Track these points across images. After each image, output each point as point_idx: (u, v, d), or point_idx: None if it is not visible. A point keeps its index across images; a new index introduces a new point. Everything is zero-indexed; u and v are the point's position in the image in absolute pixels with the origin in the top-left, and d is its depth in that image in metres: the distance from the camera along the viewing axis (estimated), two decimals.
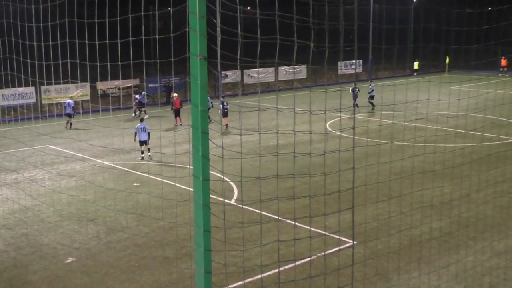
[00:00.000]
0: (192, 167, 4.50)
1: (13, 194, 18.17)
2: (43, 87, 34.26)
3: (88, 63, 10.60)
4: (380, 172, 16.41)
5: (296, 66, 46.91)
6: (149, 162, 22.57)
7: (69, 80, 15.44)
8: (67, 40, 11.03)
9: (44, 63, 12.16)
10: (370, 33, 50.01)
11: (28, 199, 17.37)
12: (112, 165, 22.23)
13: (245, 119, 29.31)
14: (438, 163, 20.09)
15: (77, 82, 31.13)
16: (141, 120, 23.90)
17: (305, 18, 7.29)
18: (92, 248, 14.22)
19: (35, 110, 34.03)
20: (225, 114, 28.94)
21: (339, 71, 50.78)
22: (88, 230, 15.34)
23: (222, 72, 42.72)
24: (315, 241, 13.71)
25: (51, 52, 11.69)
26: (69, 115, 30.54)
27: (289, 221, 14.72)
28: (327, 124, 29.17)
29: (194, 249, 4.61)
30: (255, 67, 42.88)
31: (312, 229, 14.29)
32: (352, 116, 31.20)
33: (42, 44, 11.50)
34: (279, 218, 14.16)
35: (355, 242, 13.81)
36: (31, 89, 33.92)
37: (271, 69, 46.10)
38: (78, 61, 11.51)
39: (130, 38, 9.38)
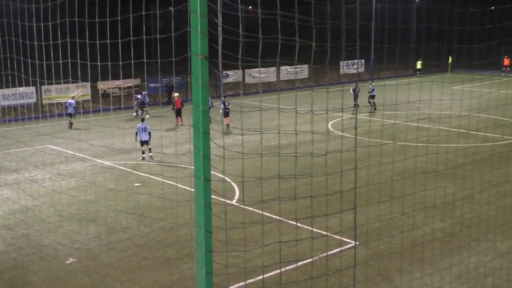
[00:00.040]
0: (193, 167, 4.49)
1: (14, 195, 18.12)
2: (43, 87, 34.20)
3: (89, 63, 10.55)
4: (382, 173, 16.33)
5: (297, 66, 46.84)
6: (150, 162, 22.51)
7: (70, 80, 15.40)
8: (68, 39, 10.97)
9: (44, 62, 12.11)
10: (372, 33, 49.89)
11: (29, 199, 17.32)
12: (113, 165, 22.17)
13: (246, 119, 29.24)
14: (441, 164, 20.01)
15: (78, 82, 31.10)
16: (142, 120, 23.84)
17: (307, 17, 7.22)
18: (93, 248, 14.16)
19: (35, 110, 34.00)
20: (226, 114, 28.87)
21: (341, 71, 50.68)
22: (88, 231, 15.28)
23: (224, 72, 42.66)
24: (316, 241, 13.65)
25: (51, 52, 11.63)
26: (70, 115, 30.50)
27: (290, 221, 14.66)
28: (329, 124, 29.09)
29: (195, 249, 4.60)
30: (257, 67, 42.81)
31: (313, 229, 14.22)
32: (354, 116, 31.14)
33: (43, 43, 11.45)
34: (281, 218, 14.07)
35: (357, 243, 13.74)
36: (31, 89, 33.87)
37: (273, 69, 46.03)
38: (79, 60, 11.45)
39: (131, 38, 9.33)
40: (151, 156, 22.98)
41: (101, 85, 36.47)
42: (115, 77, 33.35)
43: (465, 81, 37.32)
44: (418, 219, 15.18)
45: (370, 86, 34.93)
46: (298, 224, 14.48)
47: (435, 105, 31.66)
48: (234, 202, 17.02)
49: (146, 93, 34.95)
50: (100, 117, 33.10)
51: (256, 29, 5.89)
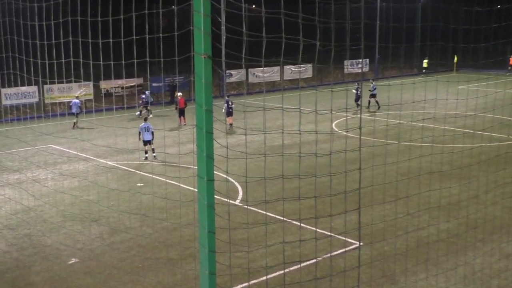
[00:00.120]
0: (196, 167, 4.48)
1: (16, 194, 18.07)
2: (46, 86, 34.18)
3: (91, 62, 10.49)
4: (387, 173, 16.24)
5: (301, 65, 46.75)
6: (153, 162, 22.45)
7: (72, 79, 15.34)
8: (70, 38, 10.91)
9: (47, 62, 12.03)
10: (377, 32, 49.80)
11: (31, 199, 17.28)
12: (116, 165, 22.12)
13: (250, 119, 29.18)
14: (446, 164, 19.89)
15: (80, 81, 31.05)
16: (145, 119, 23.78)
17: (311, 16, 7.14)
18: (95, 249, 14.10)
19: (38, 110, 33.94)
20: (229, 113, 28.79)
21: (346, 70, 50.58)
22: (91, 231, 15.23)
23: (227, 71, 42.59)
24: (320, 242, 13.57)
25: (54, 51, 11.56)
26: (74, 115, 30.46)
27: (294, 222, 14.56)
28: (333, 124, 28.99)
29: (198, 250, 4.58)
30: (260, 66, 42.74)
31: (317, 230, 14.15)
32: (358, 116, 31.01)
33: (45, 42, 11.39)
34: (284, 219, 14.00)
35: (361, 244, 13.65)
36: (34, 88, 33.85)
37: (276, 68, 45.94)
38: (81, 60, 11.38)
39: (134, 37, 9.23)
40: (154, 156, 22.91)
41: (104, 85, 36.44)
42: (118, 76, 33.28)
43: (470, 81, 37.18)
44: (423, 220, 15.07)
45: (371, 85, 34.84)
46: (302, 224, 14.40)
47: (441, 104, 31.53)
48: (237, 202, 16.94)
49: (149, 91, 34.90)
50: (102, 116, 33.09)
51: (259, 28, 5.83)
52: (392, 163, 18.44)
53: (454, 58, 54.03)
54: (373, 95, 34.42)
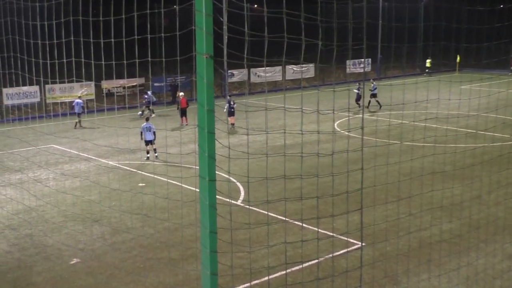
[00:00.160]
0: (198, 167, 4.47)
1: (17, 194, 18.06)
2: (47, 86, 34.17)
3: (93, 62, 10.46)
4: (389, 173, 16.15)
5: (303, 65, 46.70)
6: (155, 162, 22.43)
7: (74, 79, 15.31)
8: (72, 38, 10.89)
9: (48, 61, 12.01)
10: (379, 31, 49.73)
11: (32, 199, 17.27)
12: (117, 165, 22.10)
13: (252, 119, 29.14)
14: (449, 164, 19.84)
15: (82, 81, 31.03)
16: (147, 119, 23.75)
17: (313, 16, 7.11)
18: (97, 249, 14.08)
19: (39, 109, 33.94)
20: (231, 113, 28.75)
21: (348, 70, 50.52)
22: (93, 231, 15.21)
23: (229, 71, 42.56)
24: (322, 242, 13.53)
25: (55, 51, 11.54)
26: (76, 114, 30.45)
27: (296, 222, 14.53)
28: (335, 124, 28.93)
29: (200, 250, 4.56)
30: (262, 66, 42.69)
31: (319, 230, 14.10)
32: (360, 115, 30.98)
33: (47, 42, 11.36)
34: (286, 219, 13.97)
35: (363, 244, 13.61)
36: (35, 88, 33.84)
37: (278, 68, 45.90)
38: (83, 59, 11.36)
39: (136, 37, 9.21)
40: (156, 156, 22.88)
41: (106, 84, 36.41)
42: (120, 76, 33.30)
43: (473, 81, 37.10)
44: (426, 220, 15.02)
45: (372, 85, 34.80)
46: (304, 224, 14.35)
47: (443, 104, 31.46)
48: (239, 202, 16.90)
49: (151, 91, 34.88)
50: (104, 116, 33.07)
51: (261, 28, 5.79)
52: (395, 163, 18.36)
53: (456, 58, 53.93)
54: (373, 95, 34.38)
